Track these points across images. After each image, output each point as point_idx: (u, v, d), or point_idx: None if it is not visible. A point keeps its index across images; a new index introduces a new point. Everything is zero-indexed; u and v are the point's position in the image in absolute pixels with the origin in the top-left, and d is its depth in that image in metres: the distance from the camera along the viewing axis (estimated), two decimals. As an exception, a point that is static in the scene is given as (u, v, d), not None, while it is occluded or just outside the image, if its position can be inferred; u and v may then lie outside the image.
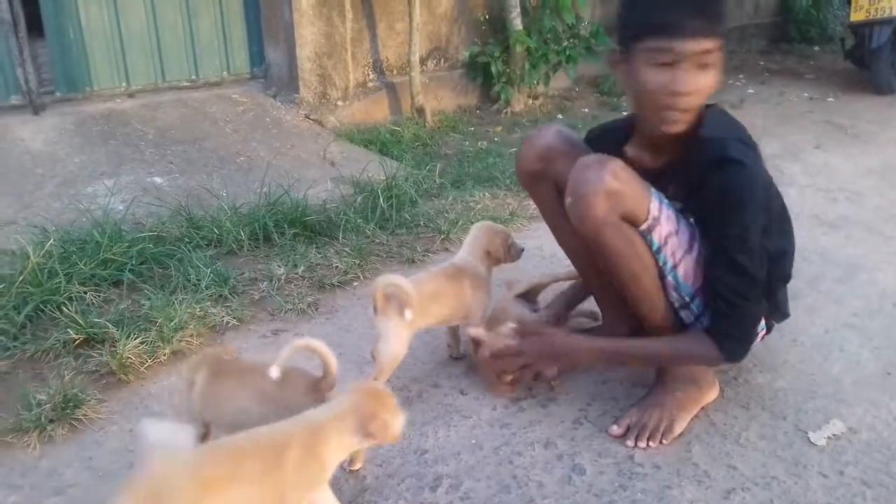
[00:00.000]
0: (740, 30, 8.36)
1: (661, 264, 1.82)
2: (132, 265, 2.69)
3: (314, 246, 3.03)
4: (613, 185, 1.70)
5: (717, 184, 1.70)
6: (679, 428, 1.90)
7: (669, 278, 1.84)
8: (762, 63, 7.56)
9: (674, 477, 1.76)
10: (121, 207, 3.25)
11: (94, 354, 2.22)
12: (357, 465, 1.76)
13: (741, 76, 6.89)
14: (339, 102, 4.82)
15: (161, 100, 4.42)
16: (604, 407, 2.03)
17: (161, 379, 2.18)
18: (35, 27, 4.05)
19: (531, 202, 3.54)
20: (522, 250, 2.28)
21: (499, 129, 5.09)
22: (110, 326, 2.30)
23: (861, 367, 2.21)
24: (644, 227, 1.77)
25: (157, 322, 2.34)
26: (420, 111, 4.95)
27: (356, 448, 1.53)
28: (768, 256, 1.78)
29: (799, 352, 2.28)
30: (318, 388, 1.63)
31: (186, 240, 2.95)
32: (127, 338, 2.25)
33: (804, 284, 2.68)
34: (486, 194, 3.66)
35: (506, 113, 5.43)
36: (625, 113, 2.21)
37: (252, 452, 1.37)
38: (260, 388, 1.62)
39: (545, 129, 2.06)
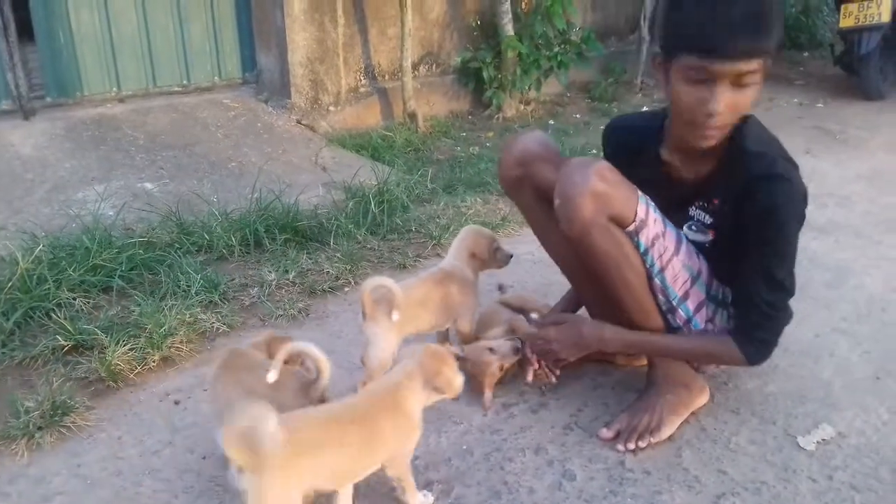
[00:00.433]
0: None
1: (648, 266, 1.83)
2: (122, 271, 2.68)
3: (305, 251, 3.02)
4: (600, 186, 1.71)
5: (763, 199, 1.69)
6: (668, 430, 1.91)
7: (657, 281, 1.85)
8: (752, 69, 7.59)
9: (664, 482, 1.76)
10: (111, 213, 3.23)
11: (83, 361, 2.21)
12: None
13: (732, 82, 6.92)
14: (331, 108, 4.82)
15: (152, 105, 4.41)
16: (595, 412, 2.03)
17: (150, 386, 2.17)
18: (25, 32, 4.03)
19: (522, 207, 3.56)
20: (510, 256, 2.27)
21: (490, 134, 5.10)
22: (99, 333, 2.29)
23: (851, 372, 2.22)
24: (631, 228, 1.78)
25: (146, 328, 2.33)
26: (412, 116, 4.95)
27: (429, 402, 1.66)
28: None
29: (789, 356, 2.28)
30: (308, 391, 1.65)
31: (177, 246, 2.95)
32: (116, 344, 2.24)
33: (794, 289, 2.69)
34: (478, 199, 3.67)
35: (497, 118, 5.44)
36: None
37: (348, 418, 1.53)
38: (251, 388, 1.63)
39: (522, 135, 2.08)
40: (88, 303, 2.53)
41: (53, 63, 4.14)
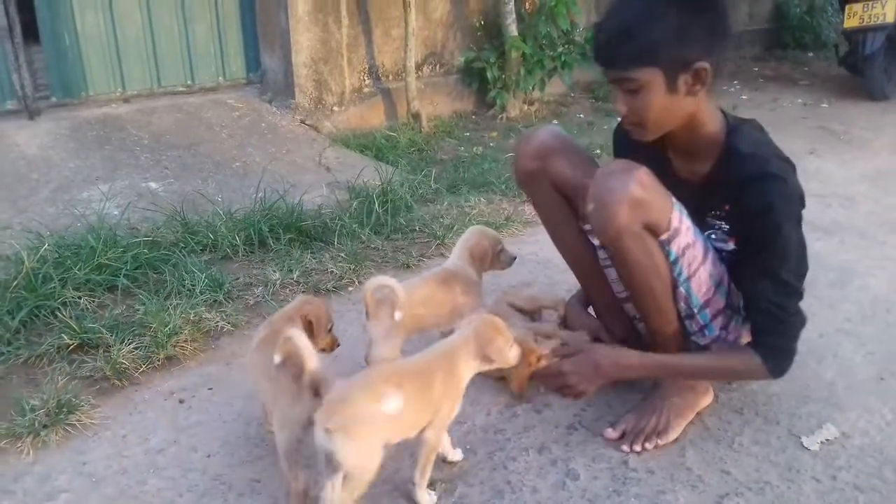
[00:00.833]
0: (735, 37, 8.39)
1: (675, 275, 1.80)
2: (127, 270, 2.69)
3: (309, 251, 3.03)
4: (638, 193, 1.67)
5: (758, 199, 1.69)
6: (674, 433, 1.91)
7: (682, 289, 1.82)
8: (756, 69, 7.59)
9: (668, 482, 1.76)
10: (116, 212, 3.24)
11: (89, 360, 2.22)
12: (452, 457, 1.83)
13: (736, 82, 6.92)
14: (335, 108, 4.82)
15: (156, 105, 4.42)
16: (598, 412, 2.03)
17: (155, 384, 2.18)
18: (31, 33, 4.05)
19: (526, 208, 3.57)
20: (514, 258, 2.26)
21: (494, 134, 5.11)
22: (104, 332, 2.30)
23: (854, 372, 2.21)
24: (664, 237, 1.74)
25: (151, 327, 2.34)
26: (416, 116, 4.96)
27: (481, 369, 1.72)
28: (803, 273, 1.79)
29: (792, 357, 2.28)
30: (300, 381, 1.61)
31: (181, 245, 2.96)
32: (121, 343, 2.25)
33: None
34: (482, 199, 3.67)
35: (501, 118, 5.44)
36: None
37: (412, 374, 1.61)
38: (264, 367, 1.68)
39: (539, 128, 2.08)
40: (93, 302, 2.53)
41: (58, 63, 4.15)
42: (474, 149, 4.70)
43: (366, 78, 5.14)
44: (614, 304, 2.11)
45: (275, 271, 2.84)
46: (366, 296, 1.92)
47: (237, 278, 2.80)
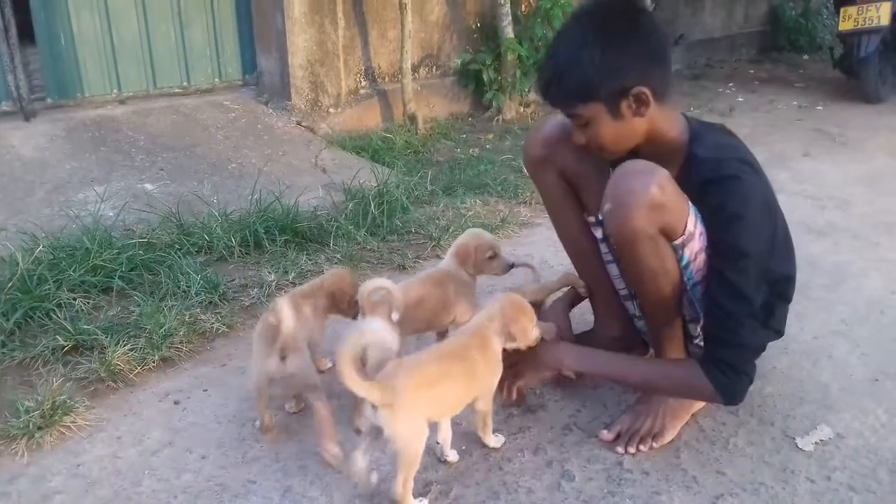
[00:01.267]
0: (730, 39, 8.43)
1: (685, 279, 1.79)
2: (122, 272, 2.68)
3: (305, 253, 3.03)
4: (658, 197, 1.65)
5: (711, 199, 1.69)
6: (670, 435, 1.91)
7: (689, 294, 1.82)
8: (752, 72, 7.62)
9: (662, 483, 1.77)
10: (111, 214, 3.24)
11: (83, 361, 2.22)
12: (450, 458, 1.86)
13: (731, 85, 6.95)
14: (331, 109, 4.83)
15: (152, 106, 4.42)
16: (593, 413, 2.03)
17: (150, 386, 2.18)
18: (26, 34, 4.04)
19: (522, 209, 3.58)
20: (511, 265, 2.21)
21: (490, 136, 5.11)
22: (99, 333, 2.30)
23: (849, 374, 2.22)
24: (679, 241, 1.73)
25: (146, 329, 2.34)
26: (412, 118, 4.96)
27: (506, 346, 1.78)
28: (774, 280, 1.78)
29: (787, 358, 2.29)
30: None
31: (177, 246, 2.95)
32: (116, 344, 2.25)
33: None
34: (478, 201, 3.67)
35: (497, 120, 5.45)
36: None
37: (453, 356, 1.70)
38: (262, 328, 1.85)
39: (549, 117, 2.09)
40: (88, 303, 2.53)
41: (54, 65, 4.14)
42: (470, 151, 4.71)
43: (362, 80, 5.14)
44: (613, 298, 2.12)
45: (270, 273, 2.83)
46: (363, 298, 1.92)
47: (232, 280, 2.80)
